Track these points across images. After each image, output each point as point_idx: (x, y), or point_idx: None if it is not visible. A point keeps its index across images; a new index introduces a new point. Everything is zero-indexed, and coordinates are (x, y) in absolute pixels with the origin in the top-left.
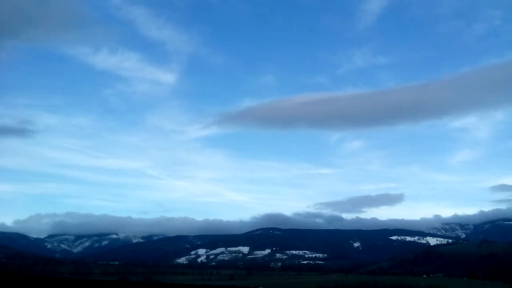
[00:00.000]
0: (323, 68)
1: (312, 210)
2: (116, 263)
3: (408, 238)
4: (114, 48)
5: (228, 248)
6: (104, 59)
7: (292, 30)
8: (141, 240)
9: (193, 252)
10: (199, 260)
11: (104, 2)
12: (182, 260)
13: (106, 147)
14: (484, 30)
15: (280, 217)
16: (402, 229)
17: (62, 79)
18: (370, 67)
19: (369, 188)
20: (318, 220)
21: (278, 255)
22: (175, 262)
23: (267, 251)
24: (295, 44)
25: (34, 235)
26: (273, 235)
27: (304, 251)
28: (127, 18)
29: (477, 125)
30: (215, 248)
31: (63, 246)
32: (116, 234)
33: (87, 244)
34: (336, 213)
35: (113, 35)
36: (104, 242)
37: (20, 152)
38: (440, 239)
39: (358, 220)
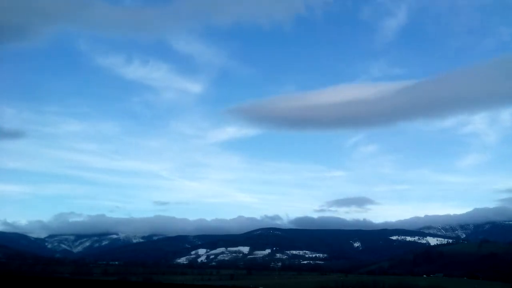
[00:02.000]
0: (342, 79)
1: (318, 211)
2: (116, 263)
3: (408, 238)
4: (145, 60)
5: (228, 248)
6: (135, 70)
7: (313, 44)
8: (141, 240)
9: (193, 252)
10: (199, 260)
11: (137, 18)
12: (182, 260)
13: (125, 151)
14: (493, 45)
15: (283, 218)
16: (402, 229)
17: (93, 88)
18: (386, 77)
19: (373, 189)
20: (320, 220)
21: (278, 255)
22: (175, 262)
23: (267, 251)
24: (316, 57)
25: (34, 235)
26: (273, 235)
27: (304, 251)
28: (162, 32)
29: (485, 126)
30: (215, 248)
31: (63, 246)
32: (116, 234)
33: (87, 244)
34: (340, 214)
35: (147, 49)
36: (104, 242)
37: (40, 156)
38: (440, 239)
39: (358, 220)
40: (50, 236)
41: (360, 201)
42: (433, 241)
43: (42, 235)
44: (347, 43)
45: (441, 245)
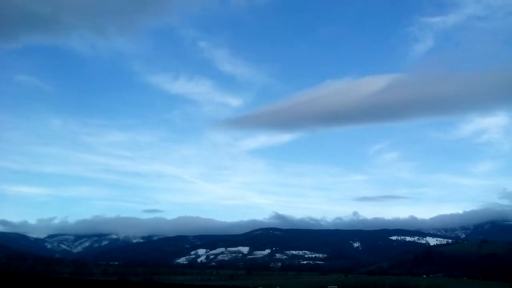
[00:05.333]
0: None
1: (328, 212)
2: (116, 263)
3: (408, 238)
4: (191, 77)
5: (228, 248)
6: (181, 85)
7: (344, 62)
8: (141, 240)
9: (193, 252)
10: (199, 260)
11: (192, 45)
12: (182, 260)
13: (156, 157)
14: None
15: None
16: (402, 229)
17: (139, 102)
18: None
19: (377, 189)
20: (320, 220)
21: (278, 255)
22: (175, 262)
23: (267, 251)
24: (346, 73)
25: (34, 235)
26: (273, 235)
27: (304, 251)
28: (209, 57)
29: (489, 128)
30: (215, 248)
31: (63, 246)
32: (116, 234)
33: (87, 244)
34: (343, 214)
35: (193, 67)
36: (104, 242)
37: (65, 160)
38: (440, 239)
39: (358, 220)
40: (50, 236)
41: (365, 202)
42: (432, 241)
43: (42, 235)
44: (378, 65)
45: (441, 245)
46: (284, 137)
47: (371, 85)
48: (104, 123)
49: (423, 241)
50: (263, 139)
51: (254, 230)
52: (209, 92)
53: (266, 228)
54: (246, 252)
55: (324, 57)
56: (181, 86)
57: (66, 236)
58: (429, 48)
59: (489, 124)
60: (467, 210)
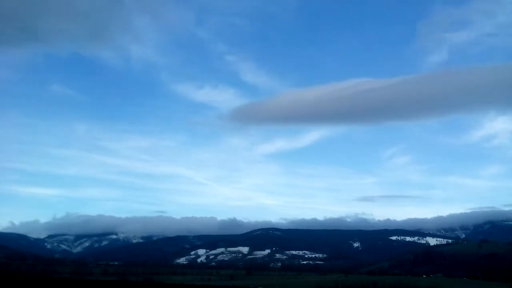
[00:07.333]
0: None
1: (329, 212)
2: (116, 263)
3: (408, 238)
4: (215, 85)
5: (228, 249)
6: (205, 94)
7: (358, 67)
8: (140, 240)
9: (193, 253)
10: (199, 260)
11: (219, 59)
12: (182, 260)
13: (173, 160)
14: None
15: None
16: (402, 229)
17: (163, 109)
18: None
19: (379, 190)
20: (320, 221)
21: (278, 255)
22: (175, 262)
23: (267, 251)
24: (358, 75)
25: (34, 235)
26: (273, 235)
27: (304, 251)
28: (235, 69)
29: (497, 131)
30: (215, 248)
31: (63, 246)
32: (116, 234)
33: (87, 244)
34: (347, 215)
35: (219, 77)
36: (104, 242)
37: (79, 162)
38: (440, 239)
39: (358, 220)
40: (50, 237)
41: (365, 202)
42: (432, 241)
43: (42, 235)
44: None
45: (441, 245)
46: (299, 141)
47: (382, 86)
48: (126, 129)
49: (423, 241)
50: (279, 143)
51: (254, 230)
52: (231, 99)
53: (266, 228)
54: (246, 252)
55: (340, 63)
56: (205, 94)
57: (66, 236)
58: (443, 57)
59: (498, 127)
60: (467, 210)
